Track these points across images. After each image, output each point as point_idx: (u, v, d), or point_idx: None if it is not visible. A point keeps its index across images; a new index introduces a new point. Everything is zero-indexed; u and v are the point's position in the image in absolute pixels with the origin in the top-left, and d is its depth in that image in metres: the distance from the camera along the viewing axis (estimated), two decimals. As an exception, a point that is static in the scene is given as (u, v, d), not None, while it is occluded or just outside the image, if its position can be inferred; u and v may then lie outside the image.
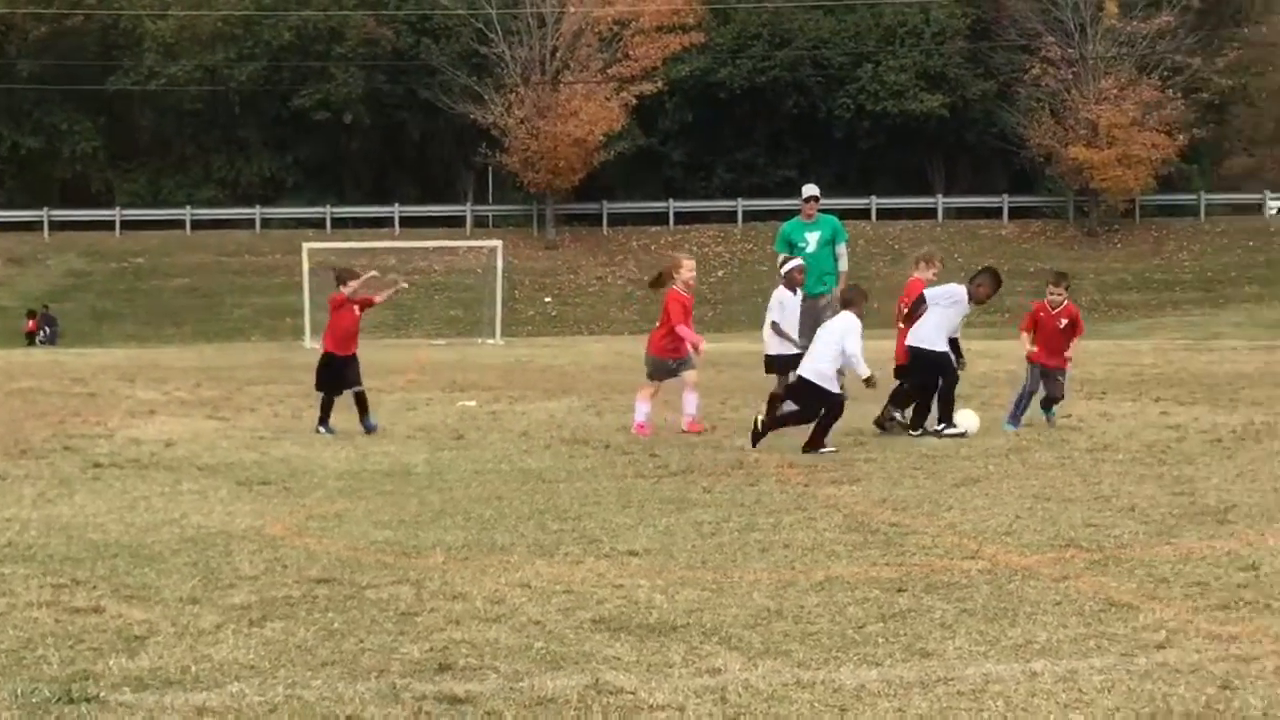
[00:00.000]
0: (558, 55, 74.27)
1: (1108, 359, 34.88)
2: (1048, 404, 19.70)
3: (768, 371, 21.15)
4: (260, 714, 7.21)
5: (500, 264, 58.00)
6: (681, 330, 19.70)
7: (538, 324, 64.11)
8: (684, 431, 19.70)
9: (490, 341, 53.73)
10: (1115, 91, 73.22)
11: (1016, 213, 78.43)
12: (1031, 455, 16.81)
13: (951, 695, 7.42)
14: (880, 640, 8.53)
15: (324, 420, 20.23)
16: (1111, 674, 7.75)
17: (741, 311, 64.38)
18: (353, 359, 20.37)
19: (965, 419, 18.92)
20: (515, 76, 73.55)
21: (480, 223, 78.45)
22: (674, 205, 77.88)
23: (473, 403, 24.90)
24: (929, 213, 78.21)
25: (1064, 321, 19.65)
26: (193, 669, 8.00)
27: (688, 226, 76.93)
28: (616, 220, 78.09)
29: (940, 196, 79.39)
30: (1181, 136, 72.61)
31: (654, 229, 76.99)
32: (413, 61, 77.46)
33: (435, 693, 7.48)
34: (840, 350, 17.83)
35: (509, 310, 59.81)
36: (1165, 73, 73.96)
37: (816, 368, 17.86)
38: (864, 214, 74.26)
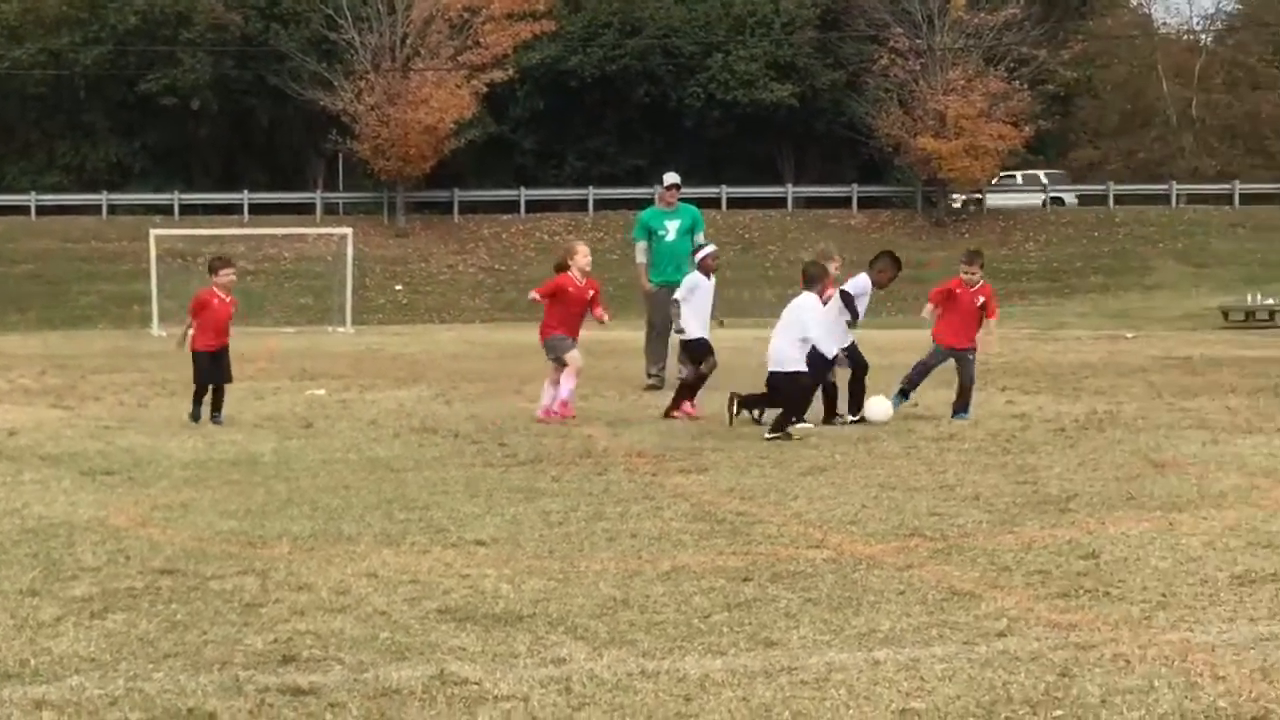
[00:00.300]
0: (408, 42, 73.84)
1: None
2: (961, 406, 19.62)
3: (684, 355, 20.96)
4: (100, 707, 7.13)
5: (350, 251, 57.65)
6: (532, 295, 19.85)
7: (388, 312, 63.77)
8: (548, 414, 19.56)
9: (340, 329, 53.43)
10: (962, 83, 73.82)
11: (865, 202, 78.92)
12: (878, 444, 16.94)
13: (795, 684, 7.46)
14: (725, 629, 8.57)
15: (215, 409, 19.95)
16: (953, 662, 7.82)
17: (593, 300, 64.32)
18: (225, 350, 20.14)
19: (877, 407, 19.00)
20: (365, 63, 73.07)
21: (330, 210, 77.93)
22: (525, 193, 77.67)
23: (322, 391, 24.77)
24: (779, 202, 78.51)
25: (980, 300, 19.65)
26: (32, 662, 7.91)
27: (539, 215, 76.80)
28: (467, 208, 77.83)
29: (790, 186, 79.72)
30: (1028, 128, 73.33)
31: (505, 217, 76.81)
32: (261, 47, 76.73)
33: (279, 684, 7.44)
34: (803, 336, 18.01)
35: (359, 298, 59.45)
36: (1012, 64, 74.63)
37: (781, 360, 18.01)
38: (714, 203, 74.38)
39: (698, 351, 20.40)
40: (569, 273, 19.91)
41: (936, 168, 73.34)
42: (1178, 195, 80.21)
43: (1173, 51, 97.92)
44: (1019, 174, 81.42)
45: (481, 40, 72.96)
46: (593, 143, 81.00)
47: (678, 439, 17.55)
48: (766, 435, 17.53)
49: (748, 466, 15.23)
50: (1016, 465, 15.18)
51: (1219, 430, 18.04)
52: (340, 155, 77.33)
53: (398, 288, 67.52)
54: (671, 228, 24.39)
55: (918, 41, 74.84)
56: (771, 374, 18.22)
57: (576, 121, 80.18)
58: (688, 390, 20.02)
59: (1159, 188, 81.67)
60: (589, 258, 20.27)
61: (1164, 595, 9.28)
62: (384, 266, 69.21)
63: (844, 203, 78.62)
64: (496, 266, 70.96)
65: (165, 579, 9.91)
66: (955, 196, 76.90)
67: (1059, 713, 6.99)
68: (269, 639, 8.35)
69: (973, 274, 19.69)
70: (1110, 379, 24.98)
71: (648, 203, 23.98)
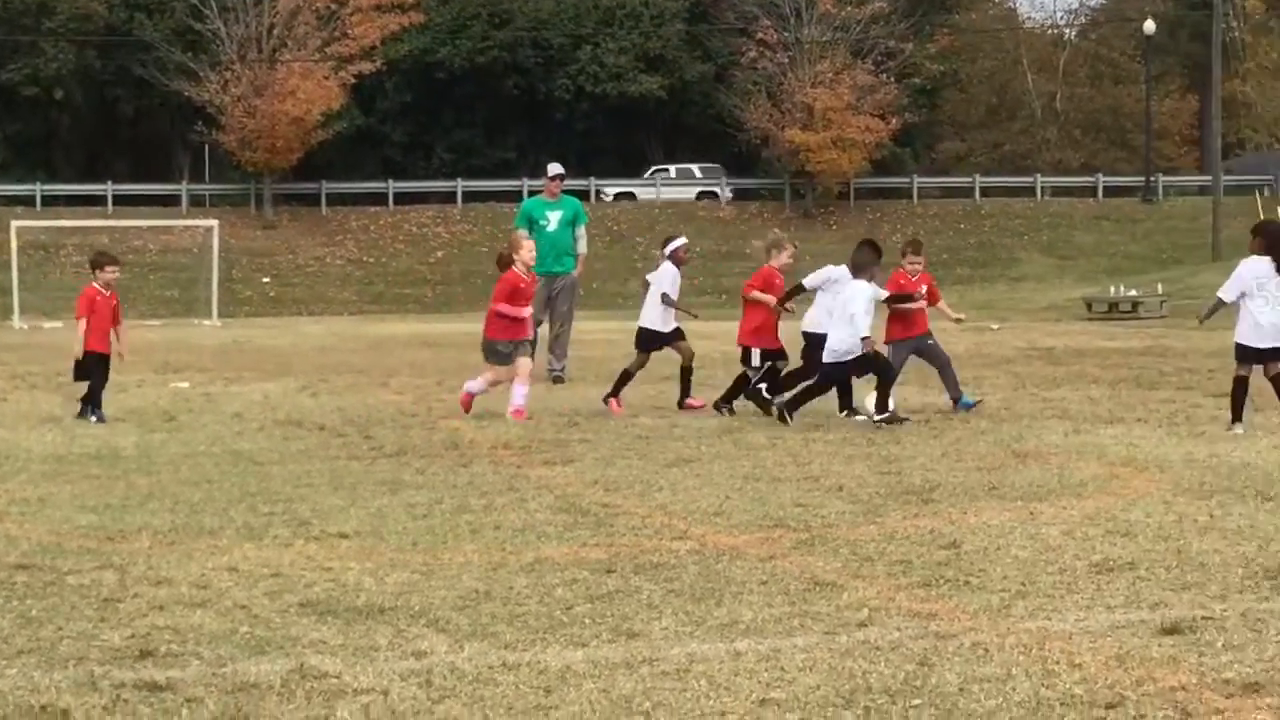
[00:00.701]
0: (274, 33, 73.28)
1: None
2: (956, 393, 19.53)
3: (639, 347, 20.34)
4: (-48, 705, 7.04)
5: (217, 244, 57.26)
6: (502, 308, 19.14)
7: (255, 304, 63.31)
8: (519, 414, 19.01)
9: (206, 322, 53.02)
10: (830, 75, 74.20)
11: (735, 194, 79.21)
12: (744, 436, 16.99)
13: (656, 675, 7.46)
14: (587, 621, 8.56)
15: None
16: (814, 652, 7.85)
17: (461, 292, 64.22)
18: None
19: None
20: (231, 54, 72.46)
21: (197, 202, 77.27)
22: (394, 185, 77.30)
23: (186, 384, 24.55)
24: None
25: (923, 288, 19.65)
26: (-117, 660, 7.79)
27: (407, 207, 76.47)
28: (335, 200, 77.37)
29: (659, 178, 79.82)
30: (895, 120, 73.85)
31: (373, 209, 76.43)
32: (126, 37, 75.92)
33: (135, 680, 7.35)
34: (855, 319, 17.89)
35: (226, 291, 59.02)
36: (879, 58, 75.07)
37: (835, 348, 17.98)
38: (583, 195, 74.37)
39: (645, 345, 20.16)
40: (514, 268, 19.33)
41: (804, 160, 73.68)
42: (1042, 188, 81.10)
43: (1037, 46, 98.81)
44: (673, 168, 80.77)
45: (349, 31, 72.56)
46: (461, 135, 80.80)
47: (544, 431, 17.51)
48: (876, 419, 17.75)
49: (613, 458, 15.23)
50: (881, 456, 15.26)
51: (1081, 420, 18.21)
52: (206, 147, 76.66)
53: (265, 280, 67.08)
54: (553, 218, 24.42)
55: (785, 34, 75.14)
56: (831, 364, 18.16)
57: (445, 114, 79.97)
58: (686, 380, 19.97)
59: (1024, 180, 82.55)
60: (534, 252, 19.81)
61: (1023, 584, 9.36)
62: (251, 259, 68.70)
63: (713, 195, 78.80)
64: (365, 259, 70.64)
65: (20, 574, 9.78)
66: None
67: (917, 702, 7.02)
68: (126, 634, 8.26)
69: (917, 265, 19.74)
70: (975, 370, 25.12)
71: (517, 195, 23.99)
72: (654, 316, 20.10)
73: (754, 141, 75.99)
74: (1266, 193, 75.32)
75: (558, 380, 23.64)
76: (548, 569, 9.92)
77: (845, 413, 18.69)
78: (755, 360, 19.22)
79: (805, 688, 7.25)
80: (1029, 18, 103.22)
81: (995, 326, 42.32)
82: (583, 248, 24.79)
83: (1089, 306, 49.90)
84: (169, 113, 77.11)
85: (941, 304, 20.07)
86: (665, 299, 20.00)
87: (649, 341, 20.17)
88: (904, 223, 75.24)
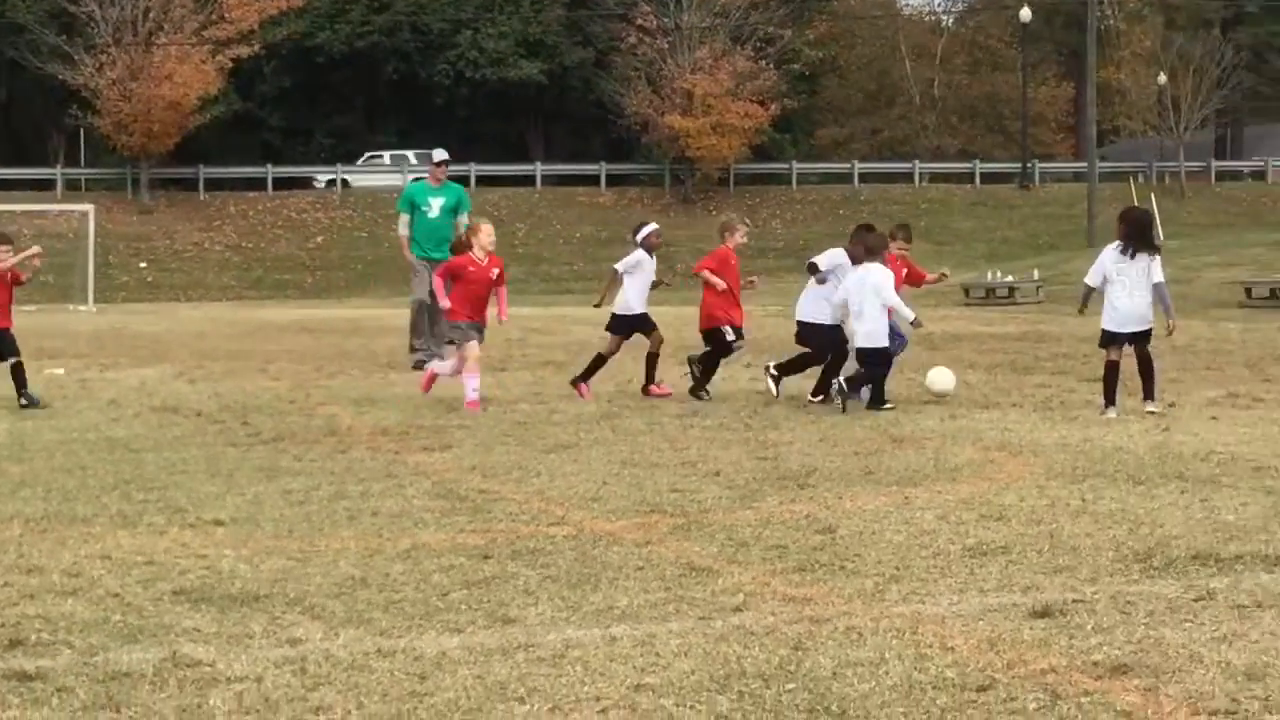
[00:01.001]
0: (150, 15, 72.52)
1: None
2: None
3: (611, 330, 20.14)
4: None
5: (93, 228, 56.70)
6: (438, 289, 18.93)
7: (132, 290, 62.73)
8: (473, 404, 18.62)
9: (82, 308, 52.42)
10: (710, 61, 74.32)
11: (614, 180, 79.17)
12: (622, 421, 17.00)
13: (531, 661, 7.47)
14: (464, 607, 8.55)
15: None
16: (688, 637, 7.88)
17: (341, 278, 63.95)
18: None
19: (940, 378, 18.98)
20: (106, 37, 71.68)
21: (72, 186, 76.41)
22: (272, 170, 76.80)
23: (61, 370, 24.30)
24: (528, 180, 78.43)
25: (904, 271, 19.74)
26: None
27: (287, 192, 76.01)
28: (214, 185, 76.73)
29: (539, 164, 79.69)
30: (774, 106, 74.07)
31: (252, 194, 75.87)
32: (-1, 19, 75.13)
33: (4, 670, 7.28)
34: (883, 304, 18.05)
35: (102, 276, 58.49)
36: (758, 44, 75.29)
37: (869, 330, 18.04)
38: (463, 181, 73.87)
39: (619, 328, 20.01)
40: (470, 252, 18.89)
41: (684, 146, 73.78)
42: (920, 174, 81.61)
43: (916, 32, 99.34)
44: (387, 154, 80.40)
45: (226, 15, 72.00)
46: (341, 120, 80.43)
47: (423, 417, 17.45)
48: (874, 408, 17.84)
49: (492, 444, 15.22)
50: (759, 441, 15.32)
51: (957, 405, 18.32)
52: (82, 130, 75.82)
53: (142, 265, 66.50)
54: (436, 204, 24.23)
55: (666, 20, 75.21)
56: (861, 350, 18.21)
57: (325, 98, 79.56)
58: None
59: (902, 166, 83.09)
60: (493, 236, 19.15)
61: (898, 568, 9.43)
62: (127, 244, 68.09)
63: (593, 180, 78.76)
64: (244, 244, 70.16)
65: (-110, 564, 9.67)
66: None
67: (791, 686, 7.06)
68: (-4, 624, 8.19)
69: (907, 248, 19.92)
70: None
71: (397, 180, 23.80)
72: (629, 301, 20.00)
73: (634, 127, 75.99)
74: (1140, 179, 76.14)
75: (425, 365, 23.32)
76: (424, 555, 9.91)
77: (819, 398, 18.69)
78: (730, 335, 19.23)
79: (680, 673, 7.27)
80: (907, 4, 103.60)
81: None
82: (464, 234, 24.61)
83: (966, 292, 50.19)
84: (43, 96, 76.22)
85: (929, 277, 20.42)
86: (613, 274, 20.09)
87: (622, 326, 20.12)
88: (783, 209, 75.56)
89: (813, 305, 19.11)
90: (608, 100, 75.69)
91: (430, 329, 23.89)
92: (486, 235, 19.05)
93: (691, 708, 6.82)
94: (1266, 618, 8.18)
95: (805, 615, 8.31)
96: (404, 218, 24.49)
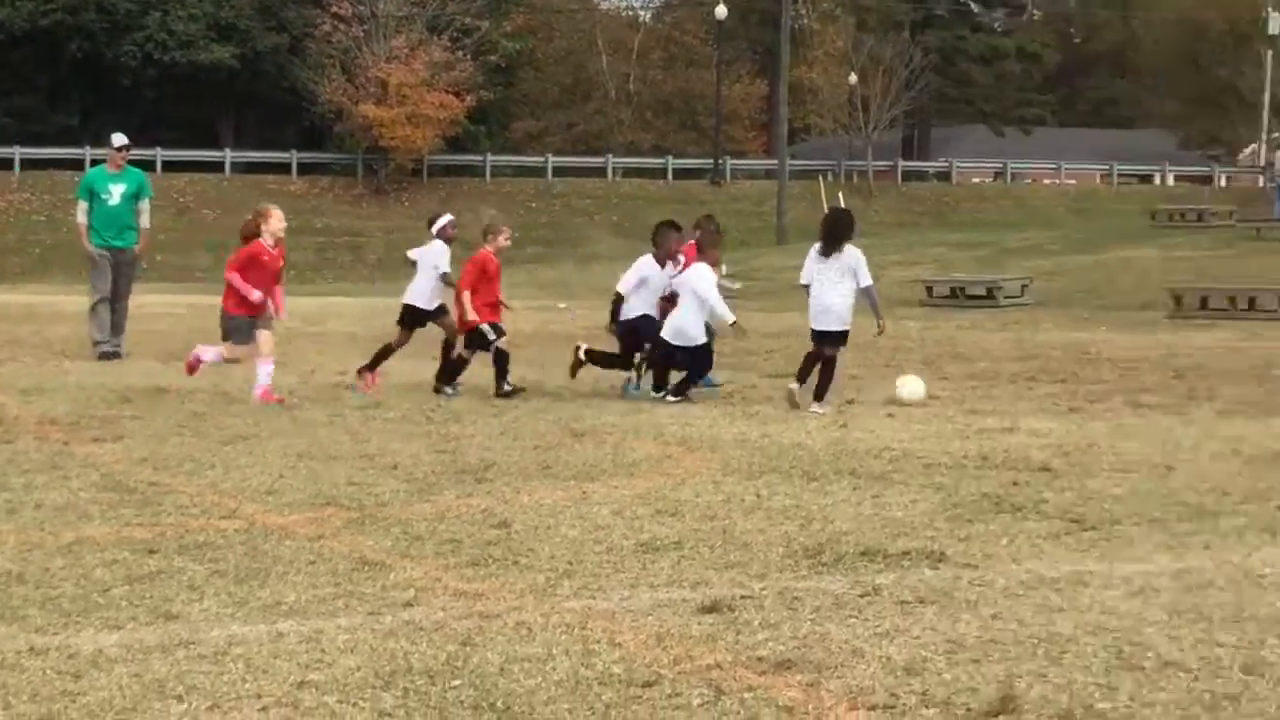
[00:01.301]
0: None
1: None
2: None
3: (403, 324, 19.70)
4: None
5: None
6: (234, 280, 17.65)
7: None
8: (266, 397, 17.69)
9: None
10: (406, 51, 73.90)
11: (306, 169, 78.31)
12: (302, 413, 16.78)
13: (192, 658, 7.33)
14: (125, 603, 8.36)
15: None
16: (356, 633, 7.79)
17: (17, 263, 62.36)
18: None
19: (911, 387, 18.67)
20: None
21: None
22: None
23: None
24: (217, 166, 77.22)
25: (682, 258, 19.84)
26: None
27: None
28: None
29: (229, 150, 78.57)
30: (470, 98, 73.93)
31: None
32: None
33: None
34: (702, 303, 18.28)
35: None
36: (455, 34, 75.05)
37: (679, 327, 18.25)
38: (149, 165, 72.60)
39: (433, 318, 19.57)
40: (261, 239, 17.88)
41: (378, 135, 73.31)
42: (614, 168, 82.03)
43: (613, 27, 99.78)
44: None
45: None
46: (20, 100, 78.32)
47: (95, 407, 17.03)
48: (670, 398, 18.13)
49: (166, 436, 14.91)
50: (440, 434, 15.24)
51: (639, 400, 18.42)
52: None
53: None
54: (116, 191, 23.61)
55: (361, 8, 74.61)
56: (675, 347, 18.43)
57: (3, 77, 77.47)
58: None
59: (596, 160, 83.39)
60: (283, 222, 18.22)
61: (570, 563, 9.42)
62: None
63: (284, 168, 77.82)
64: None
65: None
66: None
67: (457, 682, 7.02)
68: None
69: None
70: (541, 349, 25.25)
71: (78, 164, 23.19)
72: (420, 293, 19.60)
73: (328, 116, 75.29)
74: (830, 177, 77.34)
75: (110, 356, 22.87)
76: (87, 549, 9.66)
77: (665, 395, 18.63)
78: (491, 335, 18.93)
79: (345, 669, 7.19)
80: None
81: (564, 305, 42.63)
82: (145, 221, 23.96)
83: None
84: None
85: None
86: (446, 279, 19.56)
87: (414, 318, 19.73)
88: (477, 200, 75.36)
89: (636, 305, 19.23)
90: (301, 87, 74.83)
91: (104, 319, 23.30)
92: (277, 221, 18.07)
93: (355, 705, 6.75)
94: (928, 613, 8.32)
95: (476, 610, 8.26)
96: (82, 205, 23.82)
